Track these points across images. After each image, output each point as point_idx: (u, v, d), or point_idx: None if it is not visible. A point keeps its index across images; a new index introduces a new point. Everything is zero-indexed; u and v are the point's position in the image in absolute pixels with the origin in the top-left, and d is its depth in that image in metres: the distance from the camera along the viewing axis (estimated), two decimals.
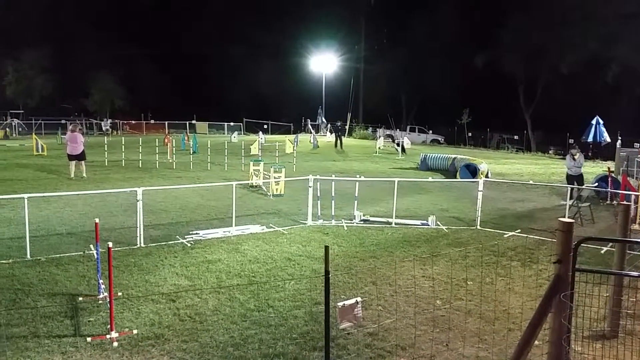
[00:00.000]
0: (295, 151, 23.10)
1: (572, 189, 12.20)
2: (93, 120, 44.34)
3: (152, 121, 44.94)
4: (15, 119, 39.95)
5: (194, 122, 42.72)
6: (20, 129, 38.11)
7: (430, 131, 43.15)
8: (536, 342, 3.11)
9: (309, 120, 45.76)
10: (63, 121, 37.64)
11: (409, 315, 6.04)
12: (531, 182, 16.63)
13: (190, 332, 5.51)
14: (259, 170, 15.26)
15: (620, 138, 25.17)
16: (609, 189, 14.11)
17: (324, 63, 47.44)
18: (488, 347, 5.29)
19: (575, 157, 14.30)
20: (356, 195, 11.47)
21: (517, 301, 6.36)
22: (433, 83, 42.26)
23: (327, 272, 4.36)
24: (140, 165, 19.46)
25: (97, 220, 6.48)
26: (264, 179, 14.71)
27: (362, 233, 10.01)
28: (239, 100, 49.37)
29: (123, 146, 20.37)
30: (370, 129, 44.38)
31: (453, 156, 21.05)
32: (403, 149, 27.97)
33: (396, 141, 31.83)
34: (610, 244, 8.40)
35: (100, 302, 6.22)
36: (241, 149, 21.63)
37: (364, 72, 50.61)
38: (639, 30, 31.66)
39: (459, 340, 5.44)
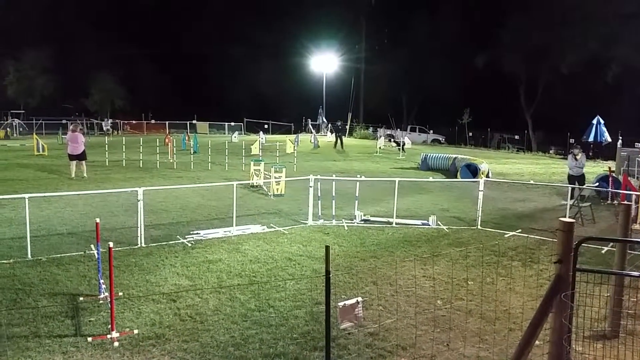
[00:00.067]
0: (295, 151, 23.11)
1: (572, 188, 12.20)
2: (94, 120, 44.43)
3: (153, 121, 45.01)
4: (16, 119, 40.03)
5: (194, 122, 42.75)
6: (21, 129, 38.17)
7: (431, 131, 43.15)
8: (537, 342, 3.11)
9: (309, 120, 45.78)
10: (64, 121, 37.72)
11: (410, 315, 6.04)
12: (532, 182, 16.63)
13: (191, 332, 5.51)
14: (259, 170, 15.27)
15: (620, 138, 25.17)
16: (609, 189, 14.10)
17: (325, 63, 47.43)
18: (489, 347, 5.29)
19: (577, 157, 14.20)
20: (357, 195, 11.47)
21: (518, 301, 6.36)
22: (434, 83, 42.29)
23: (327, 272, 4.37)
24: (141, 165, 19.47)
25: (97, 220, 6.48)
26: (264, 178, 14.71)
27: (363, 233, 10.01)
28: (239, 100, 49.40)
29: (124, 146, 20.39)
30: (371, 129, 44.42)
31: (454, 156, 21.03)
32: (402, 147, 27.99)
33: (396, 140, 31.88)
34: (611, 243, 8.40)
35: (101, 302, 6.22)
36: (242, 149, 21.64)
37: (364, 72, 50.62)
38: (639, 30, 31.66)
39: (459, 340, 5.44)
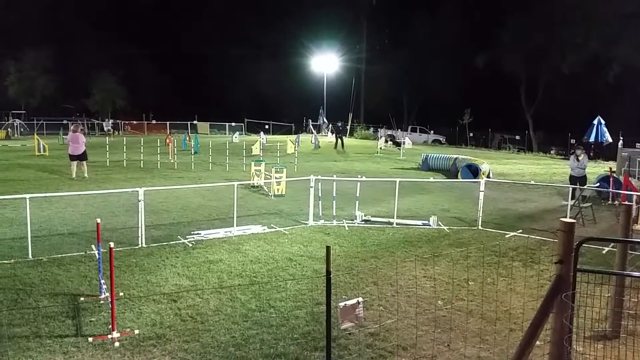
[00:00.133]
0: (296, 151, 23.12)
1: (573, 189, 12.19)
2: (95, 120, 44.44)
3: (154, 121, 45.03)
4: (17, 119, 40.09)
5: (195, 122, 42.79)
6: (22, 129, 38.22)
7: (432, 131, 43.17)
8: (538, 343, 3.11)
9: (310, 120, 45.79)
10: (65, 121, 37.75)
11: (411, 315, 6.04)
12: (533, 182, 16.61)
13: (191, 332, 5.51)
14: (260, 170, 15.27)
15: (621, 138, 25.15)
16: (610, 189, 14.09)
17: (325, 63, 47.43)
18: (489, 348, 5.29)
19: (579, 157, 14.11)
20: (357, 195, 11.47)
21: (519, 301, 6.36)
22: (434, 83, 42.33)
23: (328, 273, 4.37)
24: (141, 166, 19.48)
25: (98, 220, 6.48)
26: (265, 179, 14.72)
27: (364, 233, 10.01)
28: (239, 101, 49.43)
29: (124, 146, 20.40)
30: (371, 129, 44.43)
31: (454, 156, 21.03)
32: (399, 145, 28.08)
33: (396, 140, 31.92)
34: (612, 244, 8.39)
35: (101, 302, 6.23)
36: (242, 149, 21.63)
37: (365, 72, 50.65)
38: (639, 29, 31.65)
39: (460, 340, 5.44)
